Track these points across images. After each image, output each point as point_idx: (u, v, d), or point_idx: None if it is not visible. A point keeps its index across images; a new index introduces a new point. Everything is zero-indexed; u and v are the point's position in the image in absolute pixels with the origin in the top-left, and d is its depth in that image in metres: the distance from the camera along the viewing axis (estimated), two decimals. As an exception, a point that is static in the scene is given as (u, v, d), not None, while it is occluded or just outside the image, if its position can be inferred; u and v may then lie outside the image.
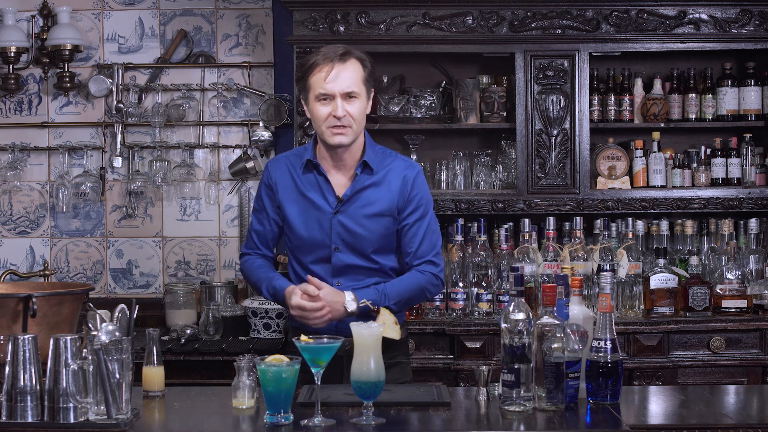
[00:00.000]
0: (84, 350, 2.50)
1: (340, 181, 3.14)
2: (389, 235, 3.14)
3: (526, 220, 4.24)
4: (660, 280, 4.22)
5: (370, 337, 2.55)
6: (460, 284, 4.18)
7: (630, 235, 4.35)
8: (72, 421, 2.46)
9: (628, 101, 4.56)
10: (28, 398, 2.47)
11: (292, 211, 3.15)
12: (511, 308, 2.59)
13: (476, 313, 4.19)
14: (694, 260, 4.41)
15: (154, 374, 2.81)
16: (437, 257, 3.18)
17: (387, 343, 3.01)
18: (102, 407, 2.46)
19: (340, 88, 3.01)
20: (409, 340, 3.85)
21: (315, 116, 3.06)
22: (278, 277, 3.19)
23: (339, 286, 3.10)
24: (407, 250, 3.16)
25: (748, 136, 4.54)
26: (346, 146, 3.08)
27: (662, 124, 4.56)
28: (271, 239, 3.27)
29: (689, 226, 4.47)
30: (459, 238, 4.23)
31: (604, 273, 2.69)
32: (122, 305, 2.75)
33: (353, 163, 3.13)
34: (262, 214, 3.23)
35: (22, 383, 2.47)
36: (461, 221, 4.26)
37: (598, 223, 4.32)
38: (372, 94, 3.13)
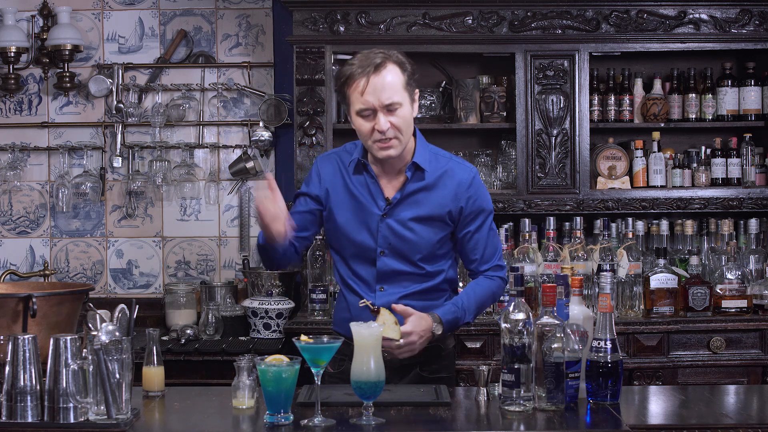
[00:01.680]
0: (84, 350, 2.50)
1: (390, 183, 2.99)
2: (439, 241, 2.99)
3: (526, 220, 4.24)
4: (660, 280, 4.22)
5: (370, 337, 2.55)
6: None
7: (630, 235, 4.35)
8: (72, 421, 2.46)
9: (628, 101, 4.56)
10: (28, 398, 2.47)
11: (340, 212, 3.01)
12: (511, 308, 2.59)
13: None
14: (694, 260, 4.41)
15: (154, 374, 2.81)
16: (501, 259, 3.08)
17: (428, 356, 2.97)
18: (102, 407, 2.46)
19: (380, 102, 2.83)
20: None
21: (359, 131, 2.90)
22: None
23: (382, 292, 3.00)
24: (472, 257, 3.03)
25: (748, 136, 4.54)
26: (395, 157, 2.92)
27: (662, 124, 4.56)
28: (299, 222, 3.00)
29: (689, 226, 4.47)
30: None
31: (604, 273, 2.69)
32: (122, 305, 2.75)
33: (403, 165, 2.97)
34: (302, 203, 3.06)
35: (22, 383, 2.47)
36: (461, 221, 4.26)
37: (598, 223, 4.32)
38: (417, 95, 2.94)
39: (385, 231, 2.97)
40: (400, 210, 2.97)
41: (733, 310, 4.21)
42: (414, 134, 2.99)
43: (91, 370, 2.46)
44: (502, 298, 4.16)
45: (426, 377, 3.00)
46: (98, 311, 2.70)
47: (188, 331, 4.30)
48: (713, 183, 4.53)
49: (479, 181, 3.03)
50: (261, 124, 4.74)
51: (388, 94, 2.83)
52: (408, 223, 2.97)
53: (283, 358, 2.51)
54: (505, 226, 4.37)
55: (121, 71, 4.77)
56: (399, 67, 2.88)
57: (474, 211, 3.00)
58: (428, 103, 4.58)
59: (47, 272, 4.79)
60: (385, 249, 2.98)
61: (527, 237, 4.23)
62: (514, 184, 4.46)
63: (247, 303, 4.41)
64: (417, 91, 2.95)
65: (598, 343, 2.65)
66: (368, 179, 2.99)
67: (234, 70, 4.82)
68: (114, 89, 4.75)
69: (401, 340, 2.83)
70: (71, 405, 2.46)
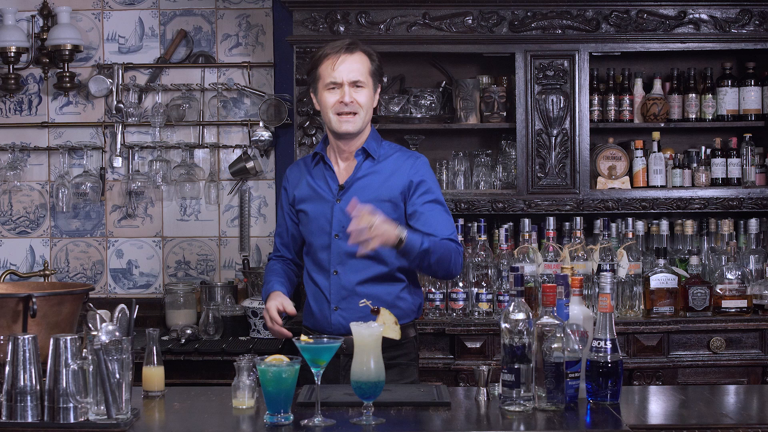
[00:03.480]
0: (84, 350, 2.50)
1: (344, 170, 3.21)
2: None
3: (526, 220, 4.24)
4: (660, 280, 4.22)
5: (370, 337, 2.55)
6: (460, 284, 4.18)
7: (630, 235, 4.35)
8: (72, 421, 2.46)
9: (628, 101, 4.56)
10: (28, 398, 2.47)
11: (305, 205, 3.23)
12: (511, 308, 2.59)
13: (476, 313, 4.19)
14: (694, 260, 4.41)
15: (154, 374, 2.81)
16: (456, 236, 3.16)
17: (387, 344, 3.02)
18: (102, 407, 2.46)
19: (348, 77, 3.10)
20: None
21: (323, 104, 3.15)
22: (275, 281, 3.24)
23: (336, 276, 3.15)
24: (426, 232, 3.08)
25: (748, 136, 4.54)
26: (352, 134, 3.15)
27: (662, 124, 4.56)
28: (289, 238, 3.33)
29: (689, 226, 4.47)
30: (459, 238, 4.22)
31: (604, 273, 2.69)
32: (122, 305, 2.75)
33: (355, 150, 3.20)
34: (282, 215, 3.34)
35: (22, 383, 2.47)
36: (461, 221, 4.26)
37: (598, 223, 4.32)
38: (379, 89, 3.22)
39: (338, 214, 3.15)
40: (351, 193, 3.14)
41: (733, 310, 4.21)
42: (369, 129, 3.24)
43: (91, 370, 2.46)
44: (501, 298, 4.18)
45: (384, 363, 3.01)
46: (98, 311, 2.70)
47: (188, 331, 4.30)
48: (713, 183, 4.53)
49: (427, 167, 3.21)
50: (261, 124, 4.74)
51: (355, 74, 3.12)
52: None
53: (283, 358, 2.51)
54: (505, 226, 4.36)
55: (121, 71, 4.77)
56: (368, 56, 3.17)
57: (424, 189, 3.16)
58: (428, 103, 4.57)
59: (47, 272, 4.79)
60: (339, 232, 3.13)
61: (527, 237, 4.23)
62: (514, 184, 4.46)
63: (247, 303, 4.41)
64: (380, 86, 3.23)
65: (598, 343, 2.65)
66: (324, 169, 3.23)
67: (234, 70, 4.82)
68: (114, 89, 4.75)
69: (376, 220, 2.86)
70: (71, 405, 2.46)
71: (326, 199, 3.19)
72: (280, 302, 3.12)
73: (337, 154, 3.23)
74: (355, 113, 3.12)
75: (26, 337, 2.49)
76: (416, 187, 3.16)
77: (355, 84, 3.11)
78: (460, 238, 4.19)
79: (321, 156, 3.24)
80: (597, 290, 2.93)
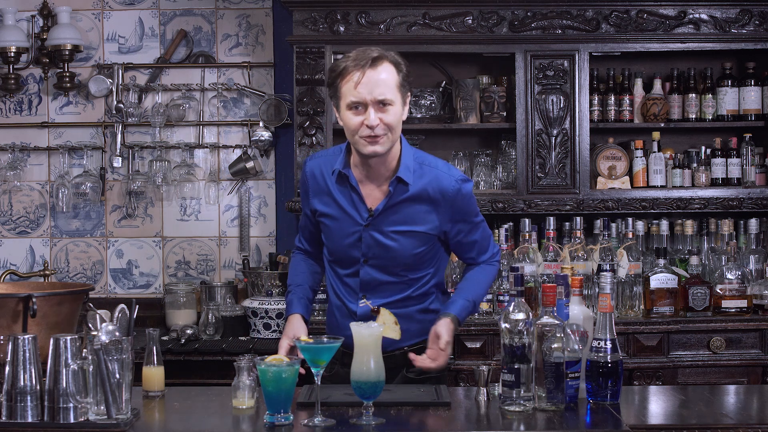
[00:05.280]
0: (84, 350, 2.50)
1: (372, 193, 2.93)
2: (422, 251, 2.95)
3: (526, 220, 4.24)
4: (660, 280, 4.22)
5: (370, 337, 2.55)
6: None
7: (630, 235, 4.35)
8: (72, 421, 2.46)
9: (628, 101, 4.56)
10: (28, 398, 2.47)
11: (325, 218, 2.98)
12: (511, 308, 2.59)
13: (476, 313, 4.19)
14: (694, 260, 4.41)
15: (154, 374, 2.81)
16: (494, 245, 3.10)
17: (418, 355, 2.93)
18: (102, 407, 2.46)
19: (372, 96, 2.78)
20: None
21: (347, 125, 2.83)
22: (296, 292, 3.06)
23: (366, 298, 2.97)
24: (468, 256, 3.05)
25: (748, 136, 4.54)
26: (380, 156, 2.85)
27: (662, 124, 4.56)
28: (312, 233, 3.09)
29: (689, 226, 4.47)
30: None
31: (604, 273, 2.69)
32: (122, 305, 2.75)
33: (388, 173, 2.91)
34: (303, 210, 3.08)
35: (22, 383, 2.47)
36: (461, 221, 4.26)
37: (598, 223, 4.32)
38: (408, 98, 2.91)
39: (368, 240, 2.92)
40: (382, 221, 2.92)
41: (733, 310, 4.21)
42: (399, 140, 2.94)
43: (91, 370, 2.46)
44: (501, 298, 4.18)
45: (413, 378, 2.97)
46: (98, 311, 2.70)
47: (188, 331, 4.30)
48: (713, 183, 4.53)
49: (465, 189, 2.95)
50: (261, 124, 4.74)
51: (381, 90, 2.79)
52: (391, 234, 2.92)
53: (283, 358, 2.51)
54: (505, 226, 4.36)
55: (121, 71, 4.77)
56: (395, 67, 2.84)
57: (460, 219, 2.96)
58: (428, 103, 4.58)
59: (47, 272, 4.79)
60: (369, 258, 2.94)
61: (527, 237, 4.23)
62: (514, 184, 4.46)
63: (247, 303, 4.41)
64: (409, 94, 2.91)
65: (598, 343, 2.65)
66: (350, 190, 2.94)
67: (234, 70, 4.82)
68: (114, 89, 4.75)
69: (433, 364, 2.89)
70: (71, 405, 2.46)
71: (354, 221, 2.92)
72: (293, 336, 2.89)
73: (364, 173, 2.92)
74: (382, 135, 2.80)
75: (26, 337, 2.49)
76: (456, 219, 2.94)
77: (382, 103, 2.78)
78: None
79: (345, 176, 2.92)
80: (597, 290, 2.93)
